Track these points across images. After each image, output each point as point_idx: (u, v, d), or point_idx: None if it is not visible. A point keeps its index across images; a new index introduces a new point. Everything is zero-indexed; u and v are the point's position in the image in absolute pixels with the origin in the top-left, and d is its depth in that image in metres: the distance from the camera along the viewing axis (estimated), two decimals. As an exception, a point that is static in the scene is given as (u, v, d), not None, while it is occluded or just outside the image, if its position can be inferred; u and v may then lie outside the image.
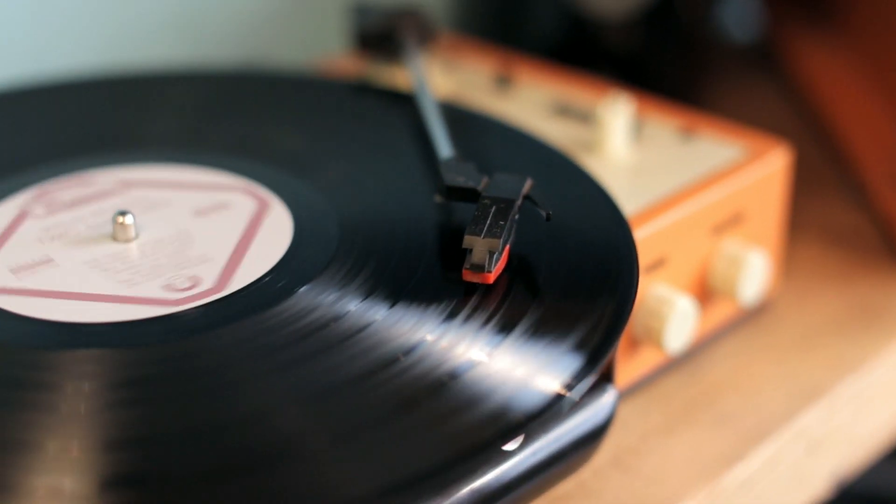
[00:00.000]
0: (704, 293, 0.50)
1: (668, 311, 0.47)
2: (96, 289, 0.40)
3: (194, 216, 0.44)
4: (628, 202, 0.47)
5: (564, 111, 0.55)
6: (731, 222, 0.50)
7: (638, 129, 0.53)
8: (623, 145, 0.52)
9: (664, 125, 0.54)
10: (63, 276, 0.41)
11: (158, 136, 0.51)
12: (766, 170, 0.51)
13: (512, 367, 0.37)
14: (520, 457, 0.36)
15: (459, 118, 0.50)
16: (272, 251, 0.42)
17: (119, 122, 0.52)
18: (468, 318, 0.38)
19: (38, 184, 0.46)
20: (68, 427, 0.35)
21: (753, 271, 0.50)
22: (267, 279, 0.40)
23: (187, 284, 0.40)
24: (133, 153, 0.48)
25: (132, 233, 0.43)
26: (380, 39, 0.58)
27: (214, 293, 0.40)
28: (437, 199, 0.44)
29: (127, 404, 0.36)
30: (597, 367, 0.37)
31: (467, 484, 0.34)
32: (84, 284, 0.40)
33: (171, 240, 0.43)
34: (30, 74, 0.61)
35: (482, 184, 0.43)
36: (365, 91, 0.54)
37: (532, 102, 0.56)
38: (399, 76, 0.57)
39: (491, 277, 0.39)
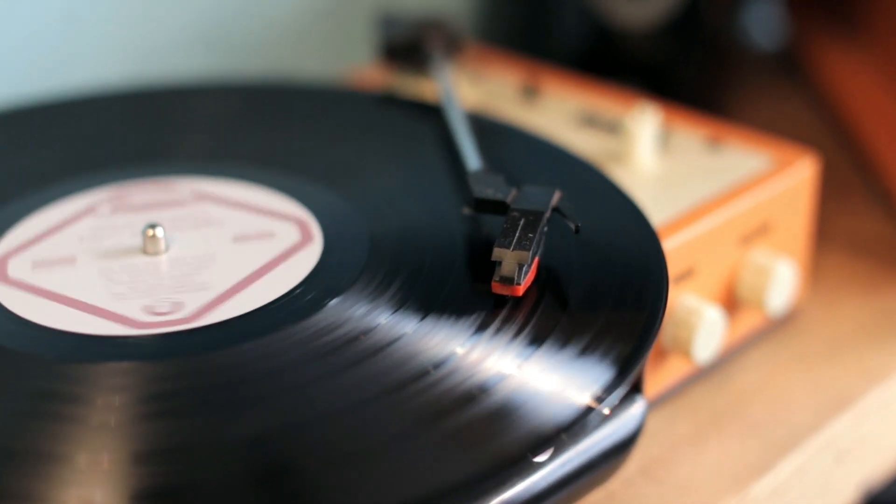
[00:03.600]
0: (732, 303, 0.50)
1: (697, 321, 0.47)
2: (83, 297, 0.41)
3: (232, 240, 0.44)
4: (656, 213, 0.47)
5: (591, 122, 0.55)
6: (758, 232, 0.50)
7: (665, 140, 0.53)
8: (650, 156, 0.52)
9: (691, 135, 0.54)
10: (75, 282, 0.42)
11: (186, 149, 0.51)
12: (794, 179, 0.51)
13: (542, 379, 0.37)
14: (550, 468, 0.36)
15: (487, 129, 0.51)
16: (303, 263, 0.42)
17: (147, 135, 0.52)
18: (498, 330, 0.39)
19: (63, 194, 0.47)
20: (99, 439, 0.35)
21: (781, 281, 0.50)
22: (298, 292, 0.40)
23: (166, 310, 0.40)
24: (161, 166, 0.49)
25: (161, 246, 0.43)
26: (407, 51, 0.58)
27: (181, 324, 0.39)
28: (466, 211, 0.44)
29: (157, 416, 0.36)
30: (627, 379, 0.37)
31: (497, 495, 0.34)
32: (81, 292, 0.41)
33: (192, 260, 0.43)
34: (57, 87, 0.61)
35: (511, 196, 0.43)
36: (393, 103, 0.55)
37: (559, 113, 0.56)
38: (426, 87, 0.57)
39: (520, 290, 0.40)
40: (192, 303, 0.40)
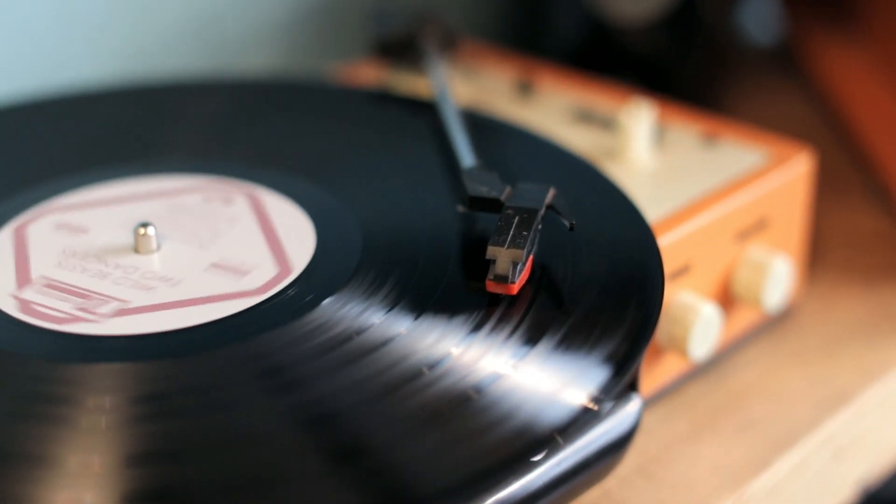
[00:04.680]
0: (728, 300, 0.50)
1: (693, 318, 0.46)
2: (159, 299, 0.40)
3: (215, 224, 0.44)
4: (651, 209, 0.47)
5: (586, 118, 0.55)
6: (754, 228, 0.50)
7: (660, 136, 0.53)
8: (645, 152, 0.51)
9: (686, 131, 0.53)
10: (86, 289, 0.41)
11: (180, 146, 0.51)
12: (790, 175, 0.51)
13: (538, 379, 0.37)
14: (545, 467, 0.36)
15: (481, 126, 0.50)
16: (296, 262, 0.42)
17: (141, 132, 0.52)
18: (493, 329, 0.38)
19: (62, 193, 0.46)
20: (89, 442, 0.35)
21: (778, 277, 0.49)
22: (290, 291, 0.40)
23: (252, 275, 0.41)
24: (156, 163, 0.48)
25: (154, 244, 0.43)
26: (400, 47, 0.58)
27: (283, 278, 0.40)
28: (460, 209, 0.44)
29: (148, 418, 0.36)
30: (624, 378, 0.37)
31: (493, 495, 0.34)
32: (140, 297, 0.41)
33: (193, 250, 0.43)
34: (51, 85, 0.61)
35: (505, 194, 0.42)
36: (386, 99, 0.54)
37: (554, 109, 0.56)
38: (420, 84, 0.57)
39: (515, 288, 0.39)
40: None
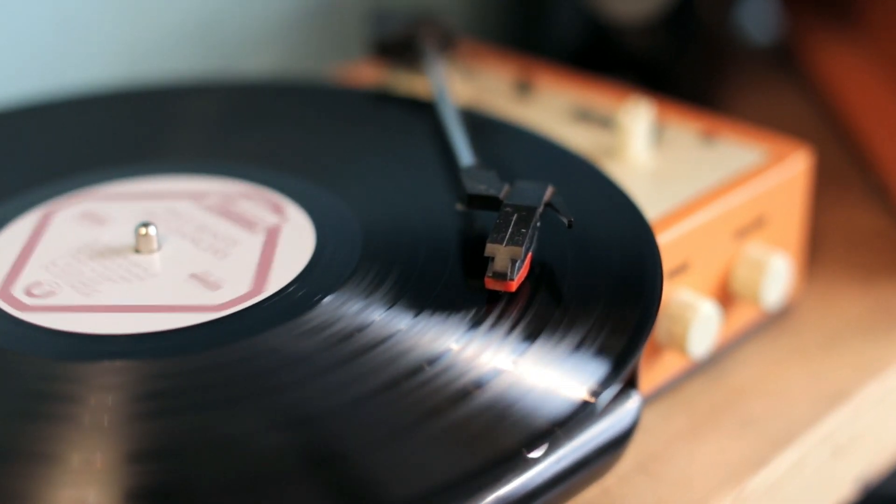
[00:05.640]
0: (727, 297, 0.50)
1: (692, 315, 0.46)
2: (123, 300, 0.40)
3: (216, 226, 0.44)
4: (650, 207, 0.47)
5: (585, 117, 0.55)
6: (753, 226, 0.50)
7: (659, 134, 0.53)
8: (644, 150, 0.51)
9: (685, 129, 0.53)
10: (86, 289, 0.41)
11: (181, 147, 0.51)
12: (788, 173, 0.51)
13: (537, 374, 0.37)
14: (545, 464, 0.36)
15: (480, 125, 0.50)
16: (296, 261, 0.42)
17: (142, 134, 0.52)
18: (492, 326, 0.38)
19: (64, 194, 0.46)
20: (92, 439, 0.35)
21: (776, 275, 0.50)
22: (290, 290, 0.40)
23: (217, 290, 0.40)
24: (157, 164, 0.48)
25: (155, 244, 0.43)
26: (399, 47, 0.58)
27: (250, 297, 0.40)
28: (459, 207, 0.44)
29: (150, 416, 0.36)
30: (622, 374, 0.37)
31: (493, 492, 0.34)
32: (110, 296, 0.41)
33: (194, 250, 0.43)
34: (52, 88, 0.61)
35: (503, 191, 0.43)
36: (385, 99, 0.54)
37: (552, 108, 0.56)
38: (419, 84, 0.57)
39: (513, 285, 0.39)
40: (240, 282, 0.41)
